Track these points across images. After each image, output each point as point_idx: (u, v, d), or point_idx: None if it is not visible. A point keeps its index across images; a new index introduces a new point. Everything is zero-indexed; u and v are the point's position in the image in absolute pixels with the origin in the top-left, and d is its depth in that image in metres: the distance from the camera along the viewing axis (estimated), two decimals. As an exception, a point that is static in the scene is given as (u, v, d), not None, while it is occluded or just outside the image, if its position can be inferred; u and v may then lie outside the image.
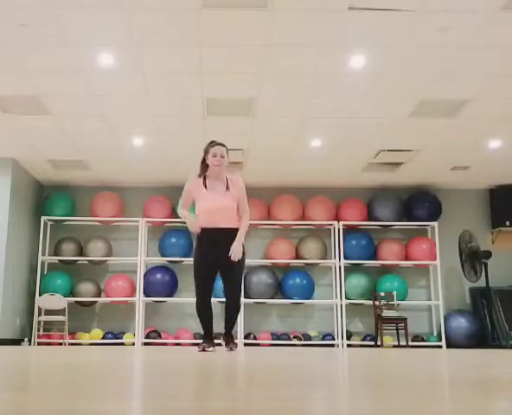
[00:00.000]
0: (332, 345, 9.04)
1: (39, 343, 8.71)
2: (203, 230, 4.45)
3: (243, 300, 8.97)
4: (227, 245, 4.42)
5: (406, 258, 9.27)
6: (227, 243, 4.42)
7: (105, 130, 7.24)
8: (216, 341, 4.80)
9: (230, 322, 4.55)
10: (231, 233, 4.45)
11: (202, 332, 4.59)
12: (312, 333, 9.14)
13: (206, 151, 4.54)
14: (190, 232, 4.63)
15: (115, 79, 5.88)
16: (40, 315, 8.64)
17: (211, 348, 4.45)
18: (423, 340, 9.05)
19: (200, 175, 4.54)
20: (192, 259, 4.64)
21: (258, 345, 8.86)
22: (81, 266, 9.45)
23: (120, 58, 5.45)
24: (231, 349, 4.52)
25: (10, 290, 8.35)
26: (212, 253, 4.47)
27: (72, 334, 8.92)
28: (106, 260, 9.32)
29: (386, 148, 7.91)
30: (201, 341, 4.74)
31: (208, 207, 4.42)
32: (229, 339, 4.60)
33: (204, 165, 4.55)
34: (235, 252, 4.41)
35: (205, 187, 4.49)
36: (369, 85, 6.00)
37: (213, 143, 4.54)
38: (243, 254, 4.49)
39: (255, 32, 5.00)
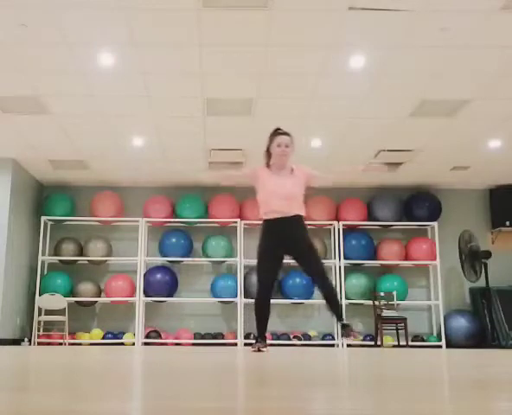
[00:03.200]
0: (332, 345, 9.04)
1: (39, 343, 8.71)
2: (266, 220, 4.32)
3: (243, 300, 8.97)
4: (293, 234, 4.25)
5: (406, 258, 9.27)
6: (293, 231, 4.26)
7: (105, 130, 7.24)
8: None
9: (334, 307, 4.25)
10: (296, 221, 4.27)
11: (256, 331, 4.40)
12: (312, 333, 9.14)
13: (270, 140, 4.40)
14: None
15: (115, 79, 5.88)
16: (40, 315, 8.65)
17: (265, 349, 4.33)
18: (423, 340, 9.05)
19: (266, 164, 4.41)
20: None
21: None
22: (81, 266, 9.45)
23: (120, 58, 5.45)
24: (348, 335, 4.19)
25: (10, 290, 8.34)
26: (277, 245, 4.30)
27: (72, 334, 8.92)
28: (106, 260, 9.32)
29: (386, 148, 7.91)
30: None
31: (274, 192, 4.26)
32: (347, 328, 4.23)
33: (268, 154, 4.41)
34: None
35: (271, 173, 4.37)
36: (369, 85, 6.00)
37: (277, 132, 4.40)
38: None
39: (255, 32, 5.00)
